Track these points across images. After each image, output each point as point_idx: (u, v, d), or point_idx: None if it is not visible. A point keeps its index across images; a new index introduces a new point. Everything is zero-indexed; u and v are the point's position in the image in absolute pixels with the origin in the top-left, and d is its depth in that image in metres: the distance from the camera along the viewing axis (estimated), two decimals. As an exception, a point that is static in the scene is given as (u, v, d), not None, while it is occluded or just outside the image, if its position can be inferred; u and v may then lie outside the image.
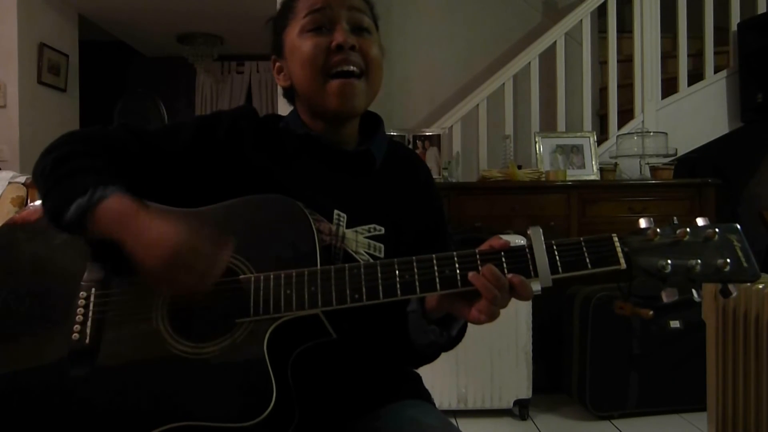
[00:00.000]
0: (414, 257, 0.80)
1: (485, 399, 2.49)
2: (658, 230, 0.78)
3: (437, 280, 0.79)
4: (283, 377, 0.80)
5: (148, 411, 0.78)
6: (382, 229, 0.94)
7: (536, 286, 0.79)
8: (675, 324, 2.51)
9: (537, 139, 3.29)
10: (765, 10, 3.63)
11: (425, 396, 1.02)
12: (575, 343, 2.60)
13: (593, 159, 3.25)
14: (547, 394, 2.70)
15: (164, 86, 5.50)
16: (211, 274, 0.77)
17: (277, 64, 1.00)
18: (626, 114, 3.59)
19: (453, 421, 1.20)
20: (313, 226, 0.84)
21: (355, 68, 0.92)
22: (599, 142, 3.40)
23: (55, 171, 0.84)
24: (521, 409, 2.52)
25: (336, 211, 0.92)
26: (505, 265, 0.79)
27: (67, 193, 0.81)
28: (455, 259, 0.80)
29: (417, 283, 0.79)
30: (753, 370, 1.66)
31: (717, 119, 3.57)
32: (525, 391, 2.49)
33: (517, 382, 2.49)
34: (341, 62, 0.91)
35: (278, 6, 1.02)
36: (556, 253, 0.78)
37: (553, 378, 2.75)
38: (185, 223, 0.79)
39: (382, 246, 0.93)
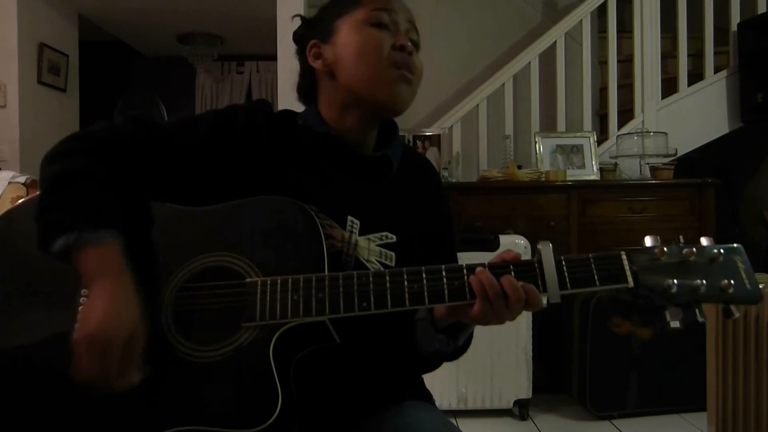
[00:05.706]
0: (423, 267, 0.80)
1: (485, 399, 2.49)
2: (665, 249, 0.78)
3: (446, 291, 0.79)
4: (286, 381, 0.79)
5: (152, 414, 0.77)
6: (394, 237, 0.93)
7: (542, 300, 0.79)
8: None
9: (537, 139, 3.29)
10: (765, 10, 3.64)
11: (426, 397, 1.02)
12: (575, 343, 2.60)
13: (593, 159, 3.25)
14: (547, 394, 2.70)
15: (164, 86, 5.48)
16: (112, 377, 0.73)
17: (315, 48, 0.97)
18: (626, 114, 3.59)
19: (453, 421, 1.20)
20: (321, 231, 0.83)
21: (411, 74, 0.93)
22: (599, 142, 3.41)
23: (50, 193, 0.80)
24: (521, 409, 2.52)
25: (349, 218, 0.91)
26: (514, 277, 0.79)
27: (55, 227, 0.78)
28: (464, 271, 0.80)
29: (426, 294, 0.79)
30: (753, 370, 1.66)
31: (717, 119, 3.57)
32: (525, 391, 2.50)
33: (517, 382, 2.49)
34: (404, 61, 0.92)
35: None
36: (565, 269, 0.79)
37: (553, 378, 2.75)
38: (131, 314, 0.75)
39: (393, 255, 0.93)
